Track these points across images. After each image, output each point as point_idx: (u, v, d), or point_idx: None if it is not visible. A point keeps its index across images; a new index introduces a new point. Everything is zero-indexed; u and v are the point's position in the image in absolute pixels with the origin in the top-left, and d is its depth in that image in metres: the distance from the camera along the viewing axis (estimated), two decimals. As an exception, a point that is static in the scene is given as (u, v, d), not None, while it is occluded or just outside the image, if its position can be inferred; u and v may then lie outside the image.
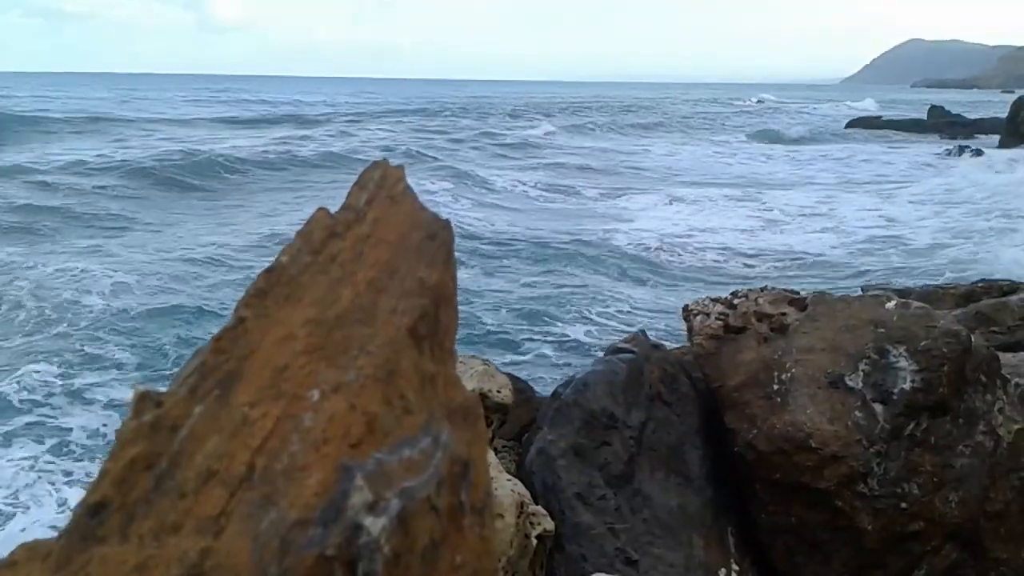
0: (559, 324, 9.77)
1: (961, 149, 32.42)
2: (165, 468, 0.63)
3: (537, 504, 2.90)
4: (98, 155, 24.26)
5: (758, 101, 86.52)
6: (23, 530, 5.33)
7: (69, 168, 22.10)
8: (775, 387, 3.14)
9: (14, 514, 5.54)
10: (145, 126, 37.34)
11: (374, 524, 0.56)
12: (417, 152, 28.18)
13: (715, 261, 13.74)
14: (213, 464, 0.62)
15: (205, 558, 0.56)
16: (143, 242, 14.51)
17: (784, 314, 3.37)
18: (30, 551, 0.63)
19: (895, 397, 3.03)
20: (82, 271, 11.63)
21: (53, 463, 6.29)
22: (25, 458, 6.32)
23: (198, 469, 0.62)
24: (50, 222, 15.99)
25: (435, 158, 26.80)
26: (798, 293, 3.58)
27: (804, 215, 18.08)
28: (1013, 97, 40.37)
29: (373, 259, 0.78)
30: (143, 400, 0.69)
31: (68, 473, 6.13)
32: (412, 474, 0.61)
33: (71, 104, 51.33)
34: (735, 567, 3.17)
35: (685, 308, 3.64)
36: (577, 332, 9.55)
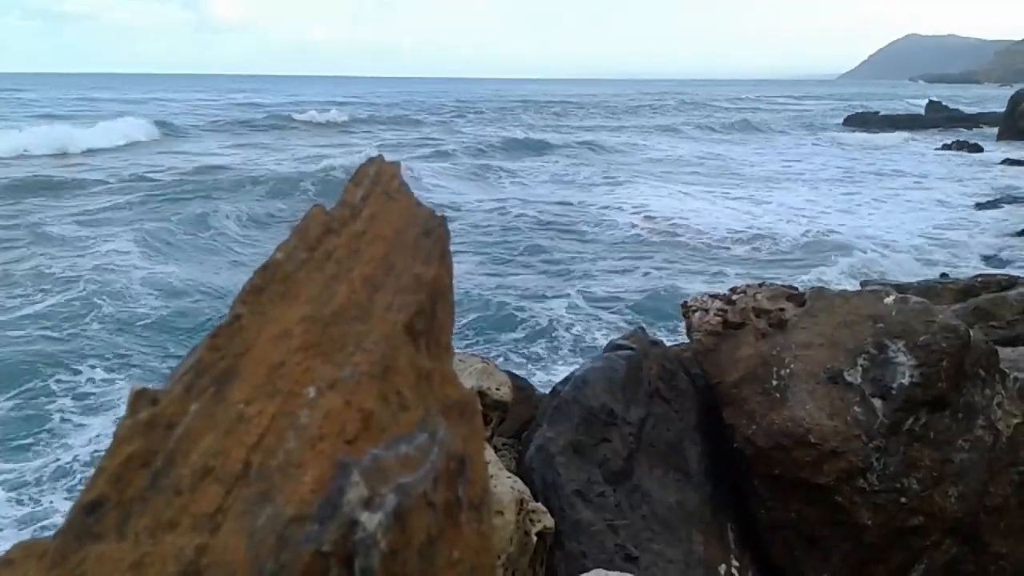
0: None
1: (960, 144, 32.44)
2: (161, 466, 0.63)
3: (537, 501, 2.90)
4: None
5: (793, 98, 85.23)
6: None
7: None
8: (774, 383, 3.15)
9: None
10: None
11: (370, 520, 0.56)
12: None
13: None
14: (209, 461, 0.62)
15: (201, 555, 0.56)
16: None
17: (782, 310, 3.37)
18: (27, 549, 0.63)
19: (894, 392, 3.03)
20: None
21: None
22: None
23: (194, 466, 0.62)
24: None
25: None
26: (796, 289, 3.58)
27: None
28: (1011, 91, 40.35)
29: (369, 255, 0.78)
30: (139, 398, 0.69)
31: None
32: (408, 470, 0.61)
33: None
34: (735, 563, 3.17)
35: (683, 304, 3.64)
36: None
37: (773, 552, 3.20)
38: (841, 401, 3.04)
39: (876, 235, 15.60)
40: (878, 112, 51.47)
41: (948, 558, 3.05)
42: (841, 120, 49.74)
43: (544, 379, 7.28)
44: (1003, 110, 38.45)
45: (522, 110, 57.50)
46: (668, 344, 4.02)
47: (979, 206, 18.90)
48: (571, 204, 19.01)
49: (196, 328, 9.53)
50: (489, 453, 2.97)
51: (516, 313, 10.34)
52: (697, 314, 3.50)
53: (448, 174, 23.98)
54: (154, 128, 34.84)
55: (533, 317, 10.19)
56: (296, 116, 43.35)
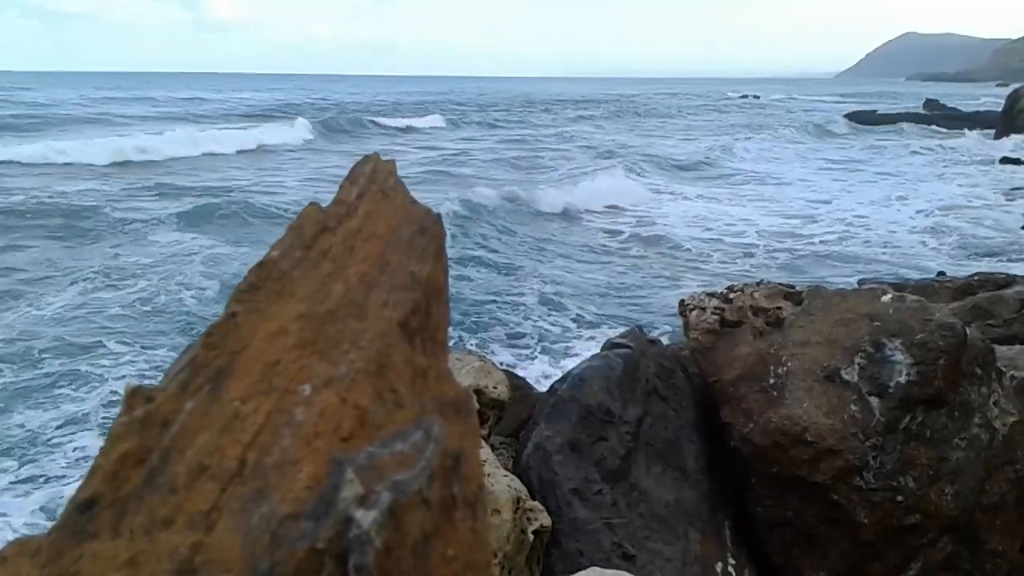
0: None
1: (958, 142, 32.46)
2: (156, 463, 0.63)
3: (534, 500, 2.90)
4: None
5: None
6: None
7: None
8: (771, 381, 3.15)
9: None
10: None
11: (365, 517, 0.56)
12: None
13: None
14: (204, 459, 0.62)
15: (196, 553, 0.56)
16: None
17: (780, 308, 3.37)
18: (20, 547, 0.63)
19: (891, 390, 3.03)
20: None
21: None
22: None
23: (189, 464, 0.62)
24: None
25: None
26: (793, 287, 3.58)
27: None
28: (1007, 90, 40.27)
29: (364, 253, 0.78)
30: (134, 396, 0.69)
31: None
32: (403, 468, 0.61)
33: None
34: (732, 561, 3.18)
35: (681, 303, 3.64)
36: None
37: (770, 550, 3.20)
38: (838, 399, 3.04)
39: (874, 232, 15.63)
40: (876, 110, 51.39)
41: (944, 556, 3.05)
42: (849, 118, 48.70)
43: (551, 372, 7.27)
44: (1000, 108, 38.47)
45: (540, 111, 56.49)
46: (666, 343, 4.02)
47: (977, 203, 18.93)
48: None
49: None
50: (486, 451, 2.97)
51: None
52: (694, 312, 3.50)
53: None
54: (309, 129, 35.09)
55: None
56: (381, 122, 42.48)
